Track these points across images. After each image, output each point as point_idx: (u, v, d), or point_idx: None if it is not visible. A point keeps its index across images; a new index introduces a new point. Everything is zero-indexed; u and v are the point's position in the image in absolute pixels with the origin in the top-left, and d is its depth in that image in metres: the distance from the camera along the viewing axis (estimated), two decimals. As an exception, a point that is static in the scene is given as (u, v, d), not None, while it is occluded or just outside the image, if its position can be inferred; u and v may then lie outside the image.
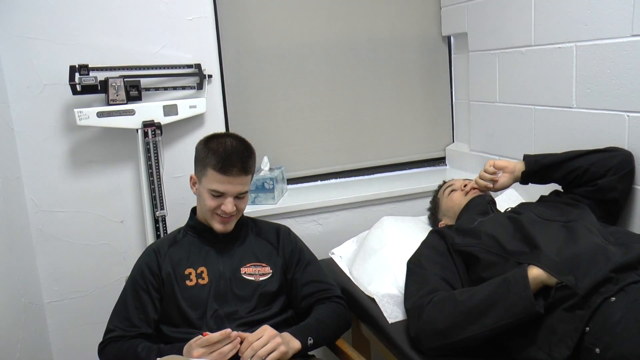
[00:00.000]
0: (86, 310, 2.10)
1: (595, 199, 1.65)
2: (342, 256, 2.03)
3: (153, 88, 2.04)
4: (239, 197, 1.57)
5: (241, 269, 1.60)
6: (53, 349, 2.09)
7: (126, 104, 1.95)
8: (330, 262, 1.99)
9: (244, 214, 1.70)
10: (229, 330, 1.36)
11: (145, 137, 1.97)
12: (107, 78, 1.92)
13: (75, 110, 1.88)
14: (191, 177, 1.64)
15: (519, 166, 1.75)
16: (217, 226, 1.58)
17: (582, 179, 1.67)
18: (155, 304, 1.55)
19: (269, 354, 1.36)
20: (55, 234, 2.04)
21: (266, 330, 1.41)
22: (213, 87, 2.13)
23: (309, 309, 1.62)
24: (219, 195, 1.54)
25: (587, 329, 1.20)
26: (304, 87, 2.48)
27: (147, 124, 1.97)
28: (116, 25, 1.99)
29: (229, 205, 1.54)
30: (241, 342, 1.38)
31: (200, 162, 1.58)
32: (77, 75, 1.89)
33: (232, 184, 1.53)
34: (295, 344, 1.44)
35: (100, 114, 1.91)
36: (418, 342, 1.44)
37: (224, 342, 1.35)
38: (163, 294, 1.56)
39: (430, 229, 1.87)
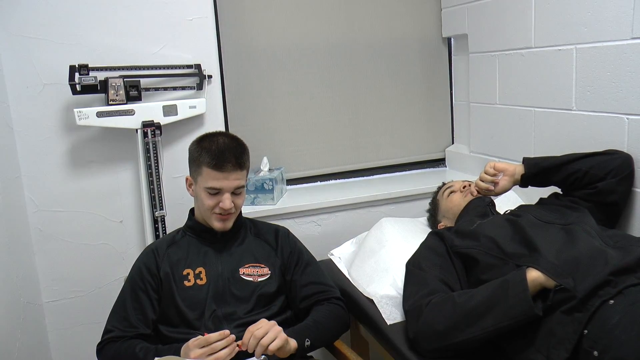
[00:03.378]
0: (85, 310, 2.10)
1: (594, 201, 1.65)
2: (341, 257, 2.03)
3: (153, 88, 2.04)
4: (236, 193, 1.57)
5: (240, 269, 1.60)
6: (52, 348, 2.09)
7: (126, 104, 1.94)
8: (329, 263, 1.99)
9: (243, 215, 1.70)
10: (227, 331, 1.36)
11: (144, 137, 1.97)
12: (107, 78, 1.92)
13: (75, 110, 1.88)
14: (187, 179, 1.64)
15: (519, 169, 1.74)
16: (217, 225, 1.58)
17: (581, 182, 1.67)
18: (154, 304, 1.55)
19: (271, 342, 1.35)
20: (55, 234, 2.03)
21: (264, 321, 1.40)
22: (213, 88, 2.13)
23: (308, 310, 1.62)
24: (216, 192, 1.54)
25: (586, 331, 1.20)
26: (304, 88, 2.48)
27: (146, 124, 1.97)
28: (116, 25, 1.99)
29: (226, 202, 1.54)
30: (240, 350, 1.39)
31: (195, 162, 1.58)
32: (77, 75, 1.89)
33: (228, 179, 1.54)
34: (292, 344, 1.44)
35: (99, 114, 1.90)
36: (416, 343, 1.43)
37: (221, 343, 1.35)
38: (161, 294, 1.56)
39: (430, 230, 1.87)
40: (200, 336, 1.37)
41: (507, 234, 1.51)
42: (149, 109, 1.98)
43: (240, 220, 1.68)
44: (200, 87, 2.08)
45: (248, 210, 2.10)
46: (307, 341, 1.47)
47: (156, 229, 2.03)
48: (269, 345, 1.34)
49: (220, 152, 1.54)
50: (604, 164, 1.65)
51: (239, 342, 1.37)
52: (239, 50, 2.35)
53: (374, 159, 2.65)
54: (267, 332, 1.36)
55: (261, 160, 2.32)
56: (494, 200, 1.86)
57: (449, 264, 1.56)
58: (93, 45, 1.97)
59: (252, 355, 1.37)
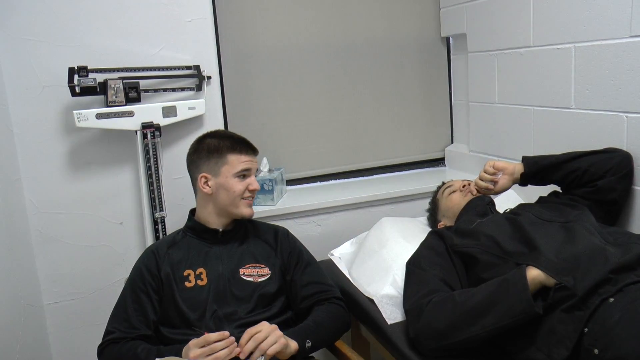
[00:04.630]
0: (85, 312, 2.10)
1: (594, 199, 1.66)
2: (342, 257, 2.02)
3: (152, 89, 2.04)
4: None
5: (240, 269, 1.60)
6: (52, 350, 2.09)
7: (125, 105, 1.94)
8: (330, 263, 1.99)
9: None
10: (227, 333, 1.36)
11: (144, 139, 1.97)
12: (106, 79, 1.92)
13: (74, 111, 1.88)
14: (202, 177, 1.62)
15: (518, 168, 1.75)
16: (247, 211, 1.64)
17: (581, 180, 1.67)
18: (154, 305, 1.55)
19: (271, 346, 1.36)
20: (55, 236, 2.03)
21: (265, 324, 1.41)
22: (212, 89, 2.13)
23: (308, 310, 1.62)
24: (245, 175, 1.62)
25: (586, 329, 1.20)
26: (303, 88, 2.48)
27: (146, 126, 1.97)
28: (115, 26, 1.99)
29: (255, 182, 1.64)
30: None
31: (214, 154, 1.61)
32: (76, 76, 1.89)
33: (253, 161, 1.65)
34: (292, 345, 1.44)
35: (99, 116, 1.91)
36: (417, 343, 1.44)
37: (221, 344, 1.35)
38: (162, 295, 1.56)
39: (430, 229, 1.88)
40: (200, 335, 1.37)
41: (507, 233, 1.52)
42: (149, 111, 1.98)
43: (241, 221, 1.69)
44: (199, 88, 2.08)
45: (248, 211, 2.10)
46: (308, 342, 1.47)
47: (156, 231, 2.03)
48: (267, 349, 1.35)
49: (240, 138, 1.66)
50: (604, 162, 1.65)
51: (240, 349, 1.37)
52: (238, 51, 2.35)
53: (373, 159, 2.66)
54: (267, 335, 1.36)
55: (261, 161, 2.32)
56: (494, 199, 1.86)
57: (449, 263, 1.56)
58: (92, 47, 1.97)
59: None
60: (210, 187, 1.62)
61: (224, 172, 1.61)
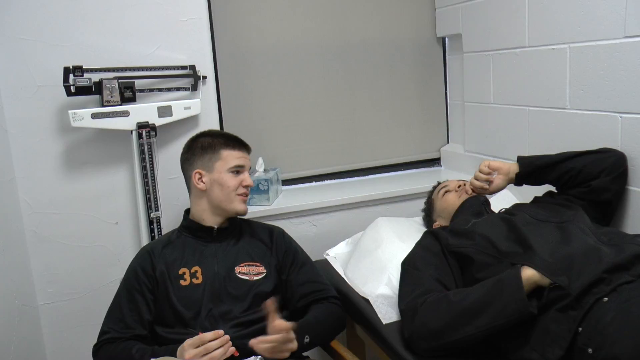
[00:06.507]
0: (80, 312, 2.09)
1: (588, 199, 1.66)
2: (337, 257, 2.02)
3: (147, 89, 2.03)
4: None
5: (235, 268, 1.61)
6: (47, 351, 2.08)
7: (120, 105, 1.94)
8: (325, 263, 1.99)
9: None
10: (221, 331, 1.37)
11: (139, 139, 1.97)
12: (101, 79, 1.92)
13: (70, 111, 1.87)
14: (196, 173, 1.64)
15: (513, 168, 1.75)
16: (241, 207, 1.66)
17: (575, 180, 1.67)
18: (149, 305, 1.56)
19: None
20: (50, 236, 2.03)
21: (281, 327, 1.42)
22: (207, 89, 2.13)
23: (305, 309, 1.63)
24: (238, 171, 1.64)
25: (580, 329, 1.21)
26: (299, 88, 2.48)
27: (141, 125, 1.96)
28: (111, 26, 1.98)
29: (249, 178, 1.67)
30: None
31: (208, 150, 1.64)
32: (71, 76, 1.88)
33: (246, 157, 1.69)
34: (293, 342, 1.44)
35: (94, 116, 1.90)
36: (412, 342, 1.44)
37: (216, 343, 1.35)
38: (157, 295, 1.56)
39: (425, 230, 1.88)
40: (195, 336, 1.37)
41: (502, 233, 1.52)
42: (144, 110, 1.98)
43: (236, 220, 1.69)
44: (194, 88, 2.08)
45: (243, 211, 2.10)
46: (307, 338, 1.49)
47: (151, 231, 2.02)
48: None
49: (232, 135, 1.70)
50: (598, 162, 1.65)
51: (234, 349, 1.37)
52: (234, 51, 2.35)
53: (369, 159, 2.66)
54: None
55: (256, 160, 2.32)
56: (489, 199, 1.87)
57: (444, 263, 1.56)
58: (87, 46, 1.96)
59: (251, 355, 1.37)
60: (204, 182, 1.63)
61: (218, 167, 1.62)
